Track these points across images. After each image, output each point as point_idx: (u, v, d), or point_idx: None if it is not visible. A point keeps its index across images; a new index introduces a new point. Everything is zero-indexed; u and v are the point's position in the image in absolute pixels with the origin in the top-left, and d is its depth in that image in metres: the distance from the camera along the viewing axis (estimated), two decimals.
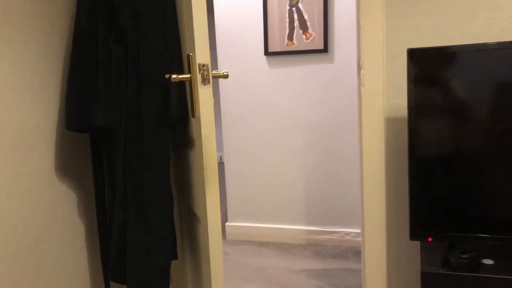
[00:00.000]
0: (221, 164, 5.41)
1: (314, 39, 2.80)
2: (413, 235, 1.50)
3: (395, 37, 1.61)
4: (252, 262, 2.75)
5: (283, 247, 2.96)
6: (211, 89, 1.20)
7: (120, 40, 1.36)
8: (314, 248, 2.92)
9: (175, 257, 1.48)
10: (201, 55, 1.18)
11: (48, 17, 1.44)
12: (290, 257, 2.80)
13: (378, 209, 1.73)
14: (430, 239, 1.50)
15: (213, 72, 1.23)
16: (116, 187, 1.39)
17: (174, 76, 1.22)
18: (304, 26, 2.80)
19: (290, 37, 2.84)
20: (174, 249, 1.47)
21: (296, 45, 2.83)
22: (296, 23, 2.81)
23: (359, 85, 1.71)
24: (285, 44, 2.85)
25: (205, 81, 1.20)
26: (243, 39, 2.94)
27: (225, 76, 1.25)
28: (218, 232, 1.24)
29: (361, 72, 1.66)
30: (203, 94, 1.20)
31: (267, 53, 2.89)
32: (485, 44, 1.37)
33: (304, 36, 2.82)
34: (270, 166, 3.01)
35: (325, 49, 2.79)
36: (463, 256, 1.41)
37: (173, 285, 1.78)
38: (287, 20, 2.82)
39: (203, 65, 1.18)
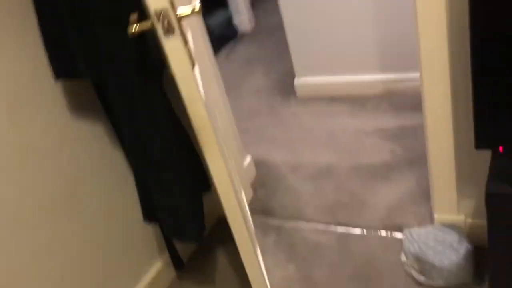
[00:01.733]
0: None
1: None
2: (480, 143, 1.21)
3: None
4: (322, 124, 2.61)
5: (357, 101, 2.73)
6: (180, 38, 0.94)
7: None
8: (391, 99, 2.64)
9: (208, 189, 1.41)
10: None
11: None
12: (363, 114, 2.60)
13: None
14: (501, 149, 1.21)
15: (179, 13, 0.94)
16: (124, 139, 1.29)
17: (132, 27, 0.96)
18: None
19: None
20: (199, 196, 1.38)
21: None
22: None
23: None
24: None
25: (169, 30, 0.93)
26: None
27: (197, 13, 0.96)
28: (232, 198, 1.10)
29: None
30: (171, 48, 0.95)
31: None
32: None
33: None
34: (332, 8, 2.59)
35: None
36: None
37: None
38: None
39: (160, 11, 0.90)
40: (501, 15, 1.03)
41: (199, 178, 1.36)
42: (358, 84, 2.76)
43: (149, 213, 1.39)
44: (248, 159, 2.23)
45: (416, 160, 2.09)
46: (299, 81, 2.93)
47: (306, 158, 2.35)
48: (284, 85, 3.14)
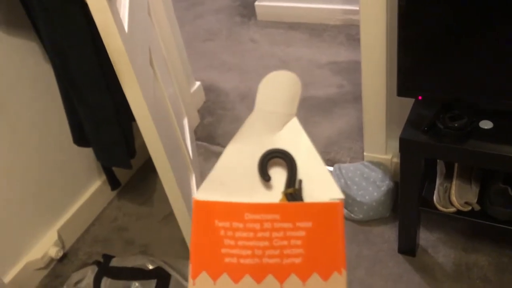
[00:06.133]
0: None
1: None
2: (401, 91, 1.25)
3: None
4: (277, 52, 2.59)
5: (315, 30, 2.69)
6: None
7: None
8: (349, 30, 2.62)
9: (129, 131, 1.41)
10: None
11: None
12: (319, 44, 2.58)
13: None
14: (420, 98, 1.25)
15: None
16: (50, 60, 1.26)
17: None
18: None
19: None
20: (127, 123, 1.38)
21: None
22: None
23: None
24: None
25: None
26: None
27: None
28: (153, 131, 1.12)
29: None
30: None
31: None
32: None
33: None
34: None
35: None
36: (450, 123, 1.17)
37: None
38: None
39: None
40: None
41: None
42: (318, 12, 2.70)
43: (80, 137, 1.40)
44: (196, 85, 2.22)
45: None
46: (260, 3, 2.84)
47: (256, 86, 2.33)
48: (246, 6, 3.05)
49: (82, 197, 1.77)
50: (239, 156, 0.40)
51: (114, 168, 1.65)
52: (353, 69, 2.33)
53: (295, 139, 0.43)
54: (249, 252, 0.33)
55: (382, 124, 1.61)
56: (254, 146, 0.41)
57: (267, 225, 0.34)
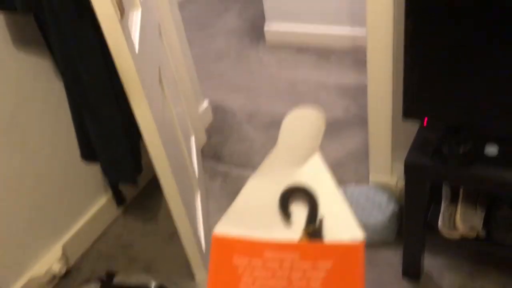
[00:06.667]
0: None
1: None
2: (407, 114, 1.26)
3: None
4: (285, 74, 2.62)
5: (323, 53, 2.72)
6: None
7: None
8: (357, 55, 2.65)
9: (136, 147, 1.43)
10: None
11: None
12: (327, 67, 2.60)
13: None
14: (425, 121, 1.25)
15: None
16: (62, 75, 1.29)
17: None
18: None
19: None
20: (135, 139, 1.40)
21: None
22: None
23: None
24: None
25: None
26: None
27: None
28: (160, 151, 1.14)
29: None
30: None
31: None
32: None
33: None
34: None
35: None
36: (455, 147, 1.18)
37: None
38: None
39: None
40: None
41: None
42: (326, 36, 2.74)
43: (87, 152, 1.42)
44: (205, 105, 2.25)
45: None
46: (269, 26, 2.89)
47: (263, 107, 2.38)
48: (255, 29, 3.10)
49: (87, 213, 1.78)
50: (261, 190, 0.41)
51: (120, 185, 1.67)
52: (360, 92, 2.35)
53: (317, 176, 0.43)
54: None
55: (388, 147, 1.62)
56: (276, 181, 0.41)
57: (286, 264, 0.34)
